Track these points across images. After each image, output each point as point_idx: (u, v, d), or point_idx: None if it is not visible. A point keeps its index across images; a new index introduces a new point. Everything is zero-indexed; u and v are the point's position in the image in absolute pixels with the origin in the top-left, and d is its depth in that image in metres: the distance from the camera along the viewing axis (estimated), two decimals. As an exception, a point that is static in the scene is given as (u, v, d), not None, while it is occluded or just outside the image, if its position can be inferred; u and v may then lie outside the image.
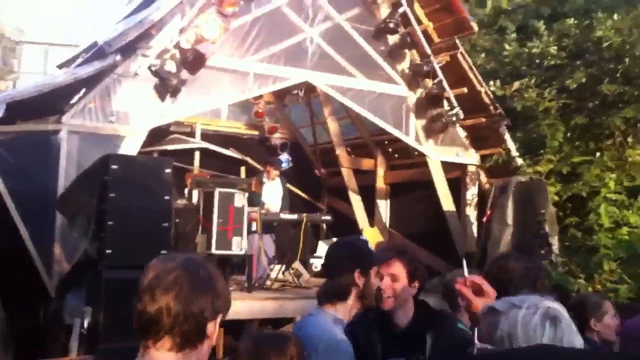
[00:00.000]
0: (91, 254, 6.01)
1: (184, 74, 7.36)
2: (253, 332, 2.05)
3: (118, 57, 7.26)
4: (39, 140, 7.03)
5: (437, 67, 8.97)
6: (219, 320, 1.75)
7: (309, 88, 10.37)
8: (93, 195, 6.17)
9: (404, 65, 9.39)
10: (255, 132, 12.05)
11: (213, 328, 1.74)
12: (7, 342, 6.40)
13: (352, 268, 2.88)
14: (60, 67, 9.93)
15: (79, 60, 8.58)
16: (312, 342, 2.71)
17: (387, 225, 10.97)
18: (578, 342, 1.78)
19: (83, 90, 7.32)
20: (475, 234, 9.38)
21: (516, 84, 9.54)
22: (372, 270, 2.93)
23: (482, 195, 9.59)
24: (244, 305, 7.11)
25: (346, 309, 2.90)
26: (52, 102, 7.11)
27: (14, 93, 7.59)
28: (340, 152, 11.43)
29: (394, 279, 3.16)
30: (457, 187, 9.74)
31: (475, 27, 9.43)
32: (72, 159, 7.01)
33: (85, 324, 5.89)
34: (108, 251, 5.71)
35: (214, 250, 7.33)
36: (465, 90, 9.33)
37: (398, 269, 3.18)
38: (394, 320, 3.20)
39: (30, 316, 6.80)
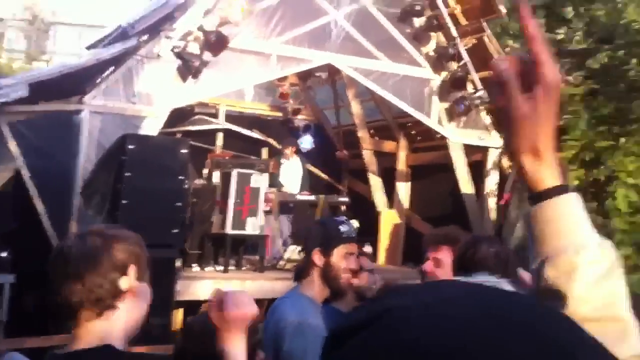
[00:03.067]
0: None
1: (207, 55, 7.39)
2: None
3: (141, 39, 7.37)
4: (61, 119, 7.15)
5: (462, 49, 8.91)
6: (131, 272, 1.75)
7: (333, 70, 10.37)
8: (110, 175, 6.32)
9: (429, 48, 9.34)
10: (279, 114, 12.08)
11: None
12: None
13: (311, 246, 2.81)
14: (88, 48, 10.04)
15: (104, 42, 8.71)
16: (281, 324, 2.65)
17: (406, 207, 10.96)
18: None
19: (106, 72, 7.44)
20: (494, 219, 9.35)
21: None
22: (336, 251, 2.81)
23: (503, 179, 9.54)
24: (254, 285, 7.16)
25: (312, 288, 2.81)
26: (74, 83, 7.23)
27: (37, 73, 7.75)
28: (363, 134, 11.40)
29: (437, 264, 3.05)
30: (479, 170, 9.70)
31: (503, 10, 9.32)
32: (93, 139, 7.12)
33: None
34: (122, 230, 5.82)
35: (228, 230, 7.39)
36: (491, 73, 9.23)
37: (444, 254, 3.04)
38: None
39: (47, 294, 6.94)
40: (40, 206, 6.90)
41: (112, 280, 1.70)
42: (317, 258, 2.80)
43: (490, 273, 2.39)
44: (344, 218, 3.01)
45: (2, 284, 6.63)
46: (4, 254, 6.67)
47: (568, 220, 1.01)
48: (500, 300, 0.67)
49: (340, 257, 2.82)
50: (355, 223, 10.54)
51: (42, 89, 7.01)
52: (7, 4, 23.51)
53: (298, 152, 10.07)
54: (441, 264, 3.03)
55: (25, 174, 6.95)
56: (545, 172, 1.00)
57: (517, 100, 0.99)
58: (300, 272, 2.87)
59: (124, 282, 1.71)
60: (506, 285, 2.09)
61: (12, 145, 6.99)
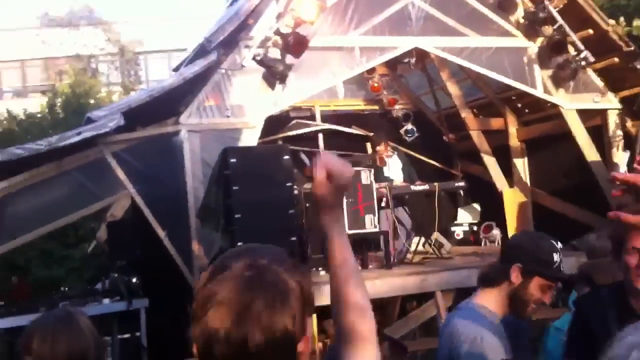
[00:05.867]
0: (225, 248, 6.05)
1: (289, 58, 7.21)
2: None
3: (221, 52, 7.24)
4: (161, 143, 7.18)
5: (554, 11, 8.25)
6: None
7: (421, 54, 9.94)
8: (219, 191, 6.22)
9: (518, 15, 8.73)
10: (376, 107, 11.75)
11: None
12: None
13: (513, 258, 2.47)
14: (175, 70, 10.11)
15: (186, 62, 8.69)
16: (455, 339, 2.37)
17: (529, 184, 10.33)
18: None
19: (195, 89, 7.35)
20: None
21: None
22: (538, 279, 2.45)
23: (629, 140, 8.80)
24: (384, 283, 6.88)
25: (494, 299, 2.48)
26: (166, 105, 7.22)
27: (128, 101, 7.78)
28: (466, 115, 10.87)
29: None
30: (599, 134, 8.99)
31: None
32: (196, 157, 7.10)
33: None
34: (239, 244, 5.68)
35: (348, 230, 7.09)
36: (590, 31, 8.54)
37: None
38: (636, 300, 2.55)
39: (179, 314, 6.97)
40: (159, 230, 6.93)
41: None
42: (515, 276, 2.46)
43: None
44: (559, 245, 2.56)
45: (138, 309, 6.71)
46: (135, 280, 6.75)
47: None
48: None
49: (538, 288, 2.47)
50: (477, 207, 10.18)
51: (136, 116, 7.04)
52: (91, 40, 24.41)
53: (400, 143, 9.63)
54: None
55: (139, 200, 7.02)
56: None
57: None
58: (487, 277, 2.53)
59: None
60: None
61: (120, 174, 7.05)
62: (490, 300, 2.47)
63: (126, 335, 6.89)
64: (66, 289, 8.15)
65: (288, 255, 1.42)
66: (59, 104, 15.22)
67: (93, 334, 2.33)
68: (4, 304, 6.87)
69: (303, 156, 1.83)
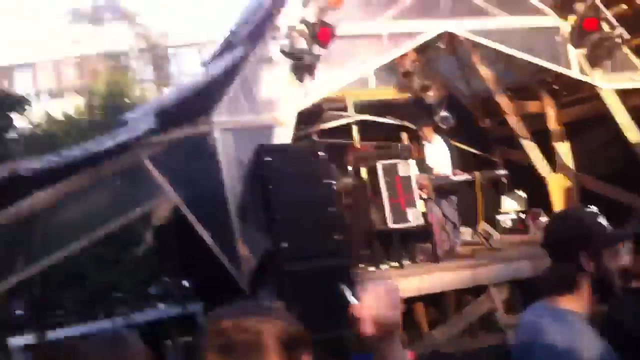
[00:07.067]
0: (270, 249, 5.98)
1: (316, 48, 7.01)
2: None
3: (247, 45, 7.10)
4: (195, 143, 7.06)
5: (587, -13, 7.98)
6: None
7: (451, 37, 9.72)
8: (256, 190, 6.15)
9: (551, -7, 8.47)
10: (407, 95, 11.50)
11: None
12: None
13: (576, 250, 2.24)
14: (203, 65, 10.01)
15: (213, 57, 8.58)
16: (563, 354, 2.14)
17: (572, 168, 10.02)
18: None
19: (224, 86, 7.22)
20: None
21: None
22: (606, 250, 2.26)
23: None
24: (433, 278, 6.80)
25: (580, 302, 2.25)
26: (196, 104, 7.09)
27: (159, 102, 7.72)
28: (501, 99, 10.63)
29: None
30: (640, 114, 8.70)
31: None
32: (230, 156, 6.94)
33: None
34: (284, 244, 5.66)
35: (391, 225, 6.98)
36: (624, 7, 8.26)
37: None
38: None
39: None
40: (204, 233, 6.84)
41: None
42: (587, 264, 2.24)
43: None
44: (594, 208, 2.40)
45: (194, 312, 6.72)
46: (186, 283, 6.75)
47: None
48: None
49: (612, 259, 2.27)
50: (522, 194, 9.94)
51: (168, 117, 6.95)
52: (119, 36, 24.37)
53: (437, 130, 9.46)
54: None
55: (180, 203, 6.94)
56: None
57: None
58: (554, 283, 2.30)
59: None
60: None
61: (159, 178, 6.97)
62: (576, 303, 2.26)
63: (187, 339, 6.94)
64: (120, 294, 8.19)
65: (269, 306, 1.57)
66: (96, 105, 15.31)
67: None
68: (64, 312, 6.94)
69: (346, 290, 1.59)
